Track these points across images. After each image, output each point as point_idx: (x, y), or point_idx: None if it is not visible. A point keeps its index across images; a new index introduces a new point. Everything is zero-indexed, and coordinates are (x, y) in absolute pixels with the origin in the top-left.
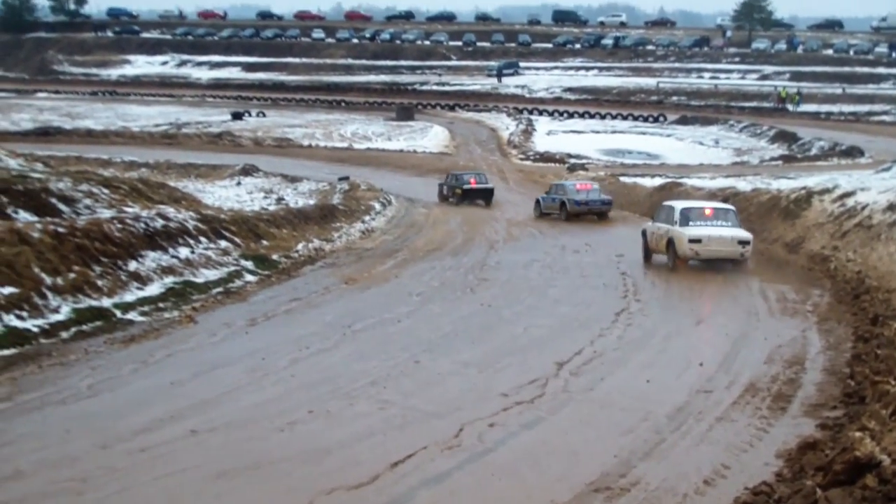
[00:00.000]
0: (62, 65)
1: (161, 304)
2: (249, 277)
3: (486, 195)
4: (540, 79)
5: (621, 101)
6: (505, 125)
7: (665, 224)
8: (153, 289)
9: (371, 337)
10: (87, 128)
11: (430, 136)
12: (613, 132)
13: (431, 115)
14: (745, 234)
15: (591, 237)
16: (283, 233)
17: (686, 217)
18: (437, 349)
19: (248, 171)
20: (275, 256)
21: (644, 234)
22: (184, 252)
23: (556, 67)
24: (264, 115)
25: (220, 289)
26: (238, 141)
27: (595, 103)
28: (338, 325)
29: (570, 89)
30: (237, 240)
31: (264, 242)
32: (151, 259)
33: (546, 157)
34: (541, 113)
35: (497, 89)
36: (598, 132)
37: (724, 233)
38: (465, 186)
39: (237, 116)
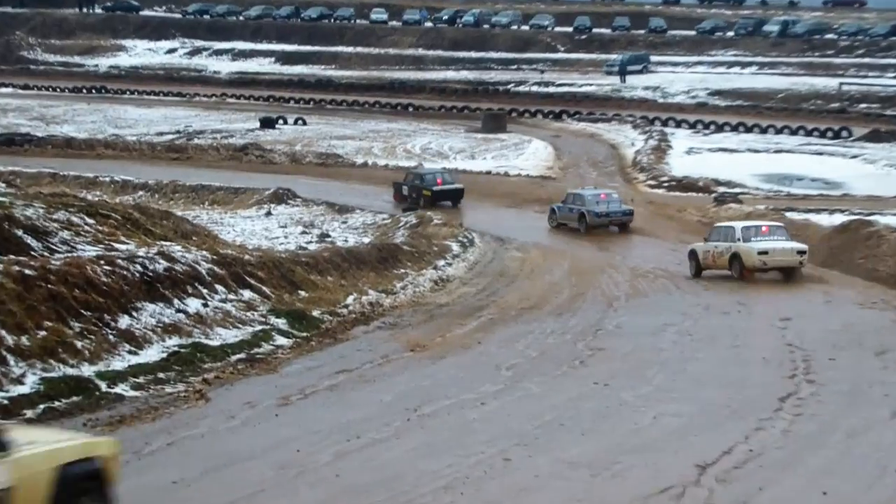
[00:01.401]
0: (34, 51)
1: (162, 375)
2: (281, 340)
3: (454, 196)
4: (678, 78)
5: (789, 109)
6: (630, 140)
7: (725, 242)
8: (151, 353)
9: (444, 424)
10: (67, 136)
11: (527, 154)
12: (777, 151)
13: (530, 126)
14: (801, 245)
15: (744, 295)
16: (327, 281)
17: (748, 234)
18: (534, 443)
19: (281, 197)
20: (316, 313)
21: (694, 253)
22: (194, 305)
23: (699, 63)
24: (304, 123)
25: (241, 355)
26: (269, 157)
27: (753, 112)
28: (399, 408)
29: (718, 92)
30: (266, 289)
31: (302, 294)
32: (150, 313)
33: (685, 185)
34: (678, 124)
35: (619, 92)
36: (756, 151)
37: (785, 245)
38: (435, 188)
39: (268, 124)
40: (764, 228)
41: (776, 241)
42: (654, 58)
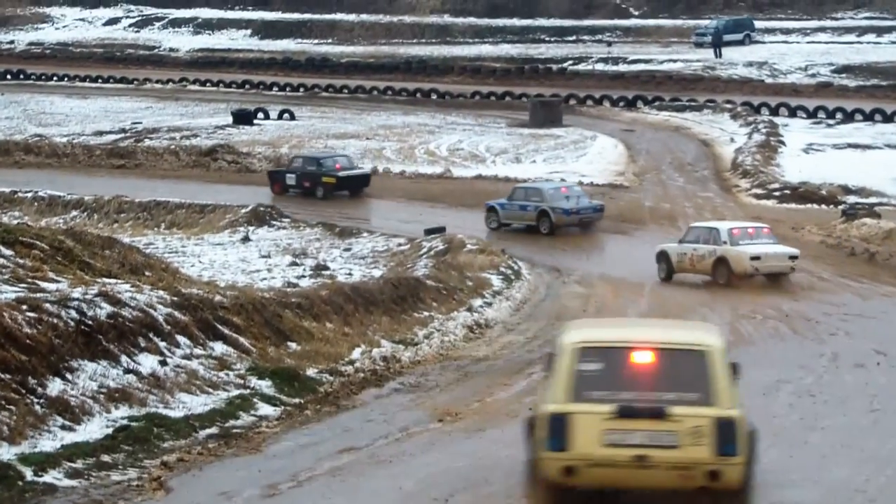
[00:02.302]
0: None
1: (107, 458)
2: (266, 409)
3: (359, 183)
4: (791, 50)
5: None
6: (728, 135)
7: (707, 245)
8: (92, 429)
9: None
10: None
11: (590, 156)
12: None
13: (594, 118)
14: (793, 249)
15: (884, 340)
16: (326, 329)
17: (735, 237)
18: None
19: (262, 216)
20: (312, 372)
21: (665, 255)
22: (148, 363)
23: (820, 29)
24: (292, 117)
25: (212, 429)
26: (245, 163)
27: (893, 94)
28: (424, 499)
29: (846, 69)
30: (244, 341)
31: (293, 346)
32: (89, 375)
33: (803, 194)
34: (793, 112)
35: (713, 70)
36: None
37: (777, 250)
38: (339, 174)
39: (244, 119)
40: (750, 230)
41: (766, 245)
42: (759, 23)
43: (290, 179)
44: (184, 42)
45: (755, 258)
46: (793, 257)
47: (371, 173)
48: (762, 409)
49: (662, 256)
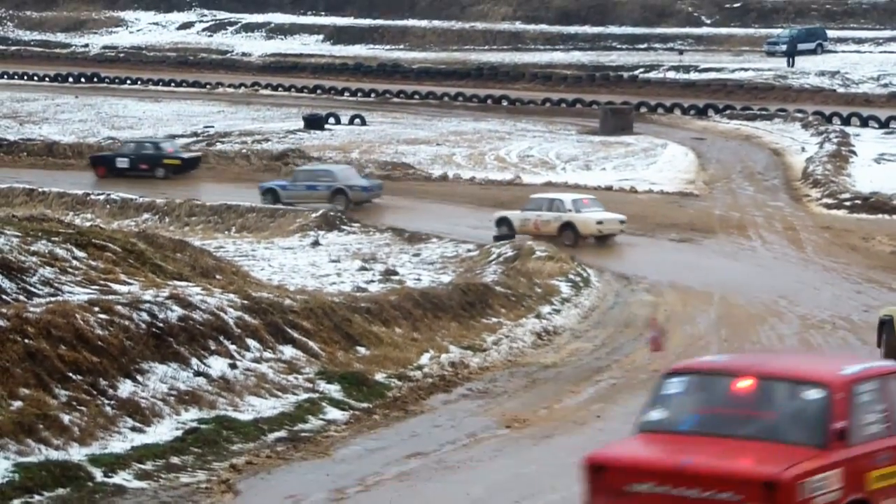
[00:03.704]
0: (4, 26)
1: (176, 460)
2: (335, 413)
3: (194, 165)
4: (864, 60)
5: None
6: (799, 144)
7: (552, 212)
8: (162, 431)
9: None
10: (48, 139)
11: (661, 164)
12: None
13: (664, 126)
14: (622, 215)
15: None
16: (394, 334)
17: (578, 206)
18: None
19: (332, 221)
20: (380, 376)
21: (507, 220)
22: (218, 366)
23: (892, 39)
24: (363, 122)
25: (281, 433)
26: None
27: None
28: None
29: None
30: (313, 345)
31: (361, 351)
32: (160, 377)
33: (874, 204)
34: (865, 122)
35: (785, 79)
36: None
37: (612, 215)
38: (183, 156)
39: (315, 124)
40: (585, 200)
41: (602, 212)
42: (831, 33)
43: (122, 163)
44: (256, 47)
45: (600, 222)
46: (622, 221)
47: (200, 157)
48: None
49: (504, 221)
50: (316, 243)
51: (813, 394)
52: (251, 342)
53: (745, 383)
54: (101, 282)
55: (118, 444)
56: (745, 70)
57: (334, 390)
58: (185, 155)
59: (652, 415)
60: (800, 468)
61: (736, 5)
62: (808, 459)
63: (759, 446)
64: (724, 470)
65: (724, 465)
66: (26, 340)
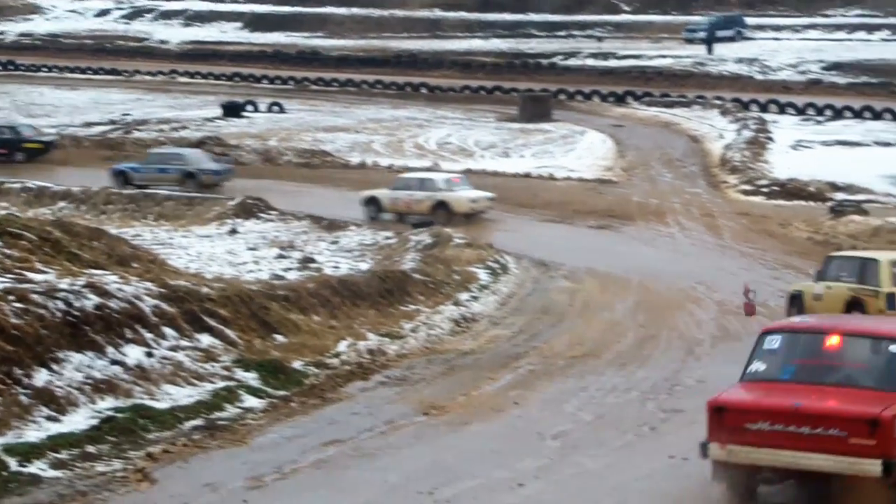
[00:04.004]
0: None
1: (92, 449)
2: (252, 401)
3: (50, 149)
4: (782, 47)
5: None
6: (717, 131)
7: (424, 191)
8: (77, 420)
9: None
10: None
11: (579, 151)
12: None
13: (583, 113)
14: (491, 193)
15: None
16: (312, 322)
17: (451, 185)
18: None
19: (250, 209)
20: (298, 364)
21: (375, 199)
22: (134, 354)
23: (811, 26)
24: (282, 110)
25: (198, 421)
26: (234, 155)
27: (883, 92)
28: (410, 491)
29: (836, 66)
30: (230, 333)
31: (279, 339)
32: (76, 366)
33: (791, 190)
34: (782, 109)
35: (704, 66)
36: (887, 144)
37: (482, 194)
38: (44, 140)
39: (233, 111)
40: (455, 178)
41: (474, 191)
42: (750, 20)
43: None
44: (174, 34)
45: (473, 200)
46: (492, 199)
47: (52, 141)
48: None
49: (372, 201)
50: (233, 231)
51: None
52: (168, 330)
53: (834, 339)
54: (17, 270)
55: (33, 433)
56: (664, 57)
57: (251, 378)
58: (46, 139)
59: (754, 367)
60: (894, 409)
61: None
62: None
63: (851, 392)
64: (832, 410)
65: (832, 406)
66: None
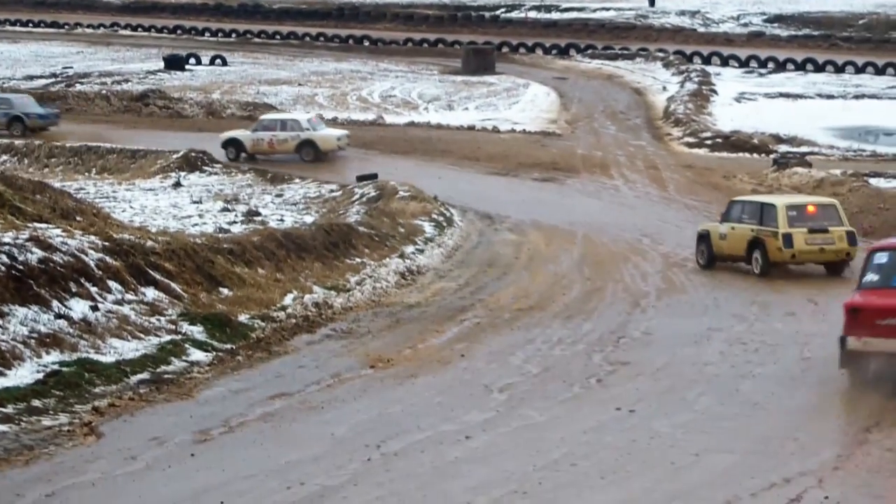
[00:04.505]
0: None
1: (37, 403)
2: (198, 355)
3: None
4: None
5: (874, 39)
6: (660, 83)
7: (288, 132)
8: (23, 374)
9: (417, 466)
10: None
11: (523, 103)
12: (858, 96)
13: (527, 66)
14: (346, 131)
15: (816, 288)
16: (258, 275)
17: (314, 125)
18: (538, 491)
19: (194, 162)
20: (243, 318)
21: (235, 141)
22: (79, 308)
23: None
24: (224, 63)
25: (144, 375)
26: (177, 108)
27: (825, 44)
28: (357, 445)
29: (778, 18)
30: (176, 287)
31: (224, 292)
32: (20, 320)
33: (735, 143)
34: (725, 61)
35: (646, 18)
36: (829, 97)
37: (342, 132)
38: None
39: (176, 64)
40: (314, 119)
41: (338, 130)
42: None
43: None
44: None
45: (338, 139)
46: (348, 137)
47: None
48: (694, 357)
49: (232, 142)
50: (178, 184)
51: None
52: (113, 284)
53: None
54: None
55: None
56: (607, 10)
57: (197, 332)
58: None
59: (868, 278)
60: None
61: None
62: None
63: None
64: None
65: None
66: None
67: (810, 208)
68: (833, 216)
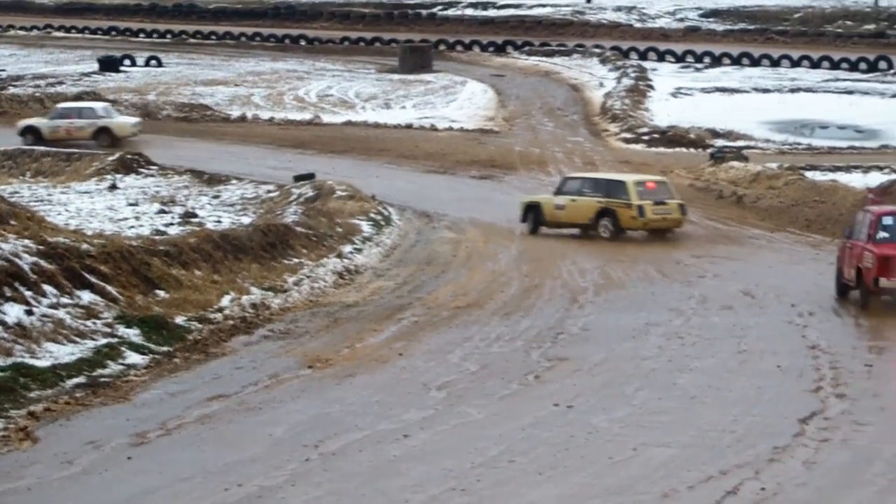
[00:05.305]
0: None
1: None
2: (134, 358)
3: None
4: None
5: (809, 33)
6: (597, 79)
7: (84, 119)
8: None
9: (356, 466)
10: None
11: (460, 101)
12: (794, 90)
13: (464, 63)
14: (139, 119)
15: (752, 282)
16: (194, 277)
17: (109, 112)
18: (476, 488)
19: (130, 164)
20: (180, 319)
21: (33, 129)
22: (13, 312)
23: None
24: (160, 64)
25: (80, 379)
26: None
27: (760, 38)
28: (295, 445)
29: (714, 13)
30: (112, 290)
31: (161, 294)
32: None
33: (671, 138)
34: (661, 57)
35: (583, 15)
36: (765, 91)
37: (136, 120)
38: None
39: (110, 65)
40: (108, 106)
41: (131, 118)
42: None
43: None
44: None
45: (133, 125)
46: (141, 124)
47: None
48: (632, 352)
49: (29, 129)
50: (113, 187)
51: None
52: (48, 288)
53: None
54: None
55: None
56: (543, 6)
57: (134, 335)
58: None
59: (881, 235)
60: None
61: None
62: None
63: None
64: None
65: None
66: None
67: (650, 184)
68: (666, 191)
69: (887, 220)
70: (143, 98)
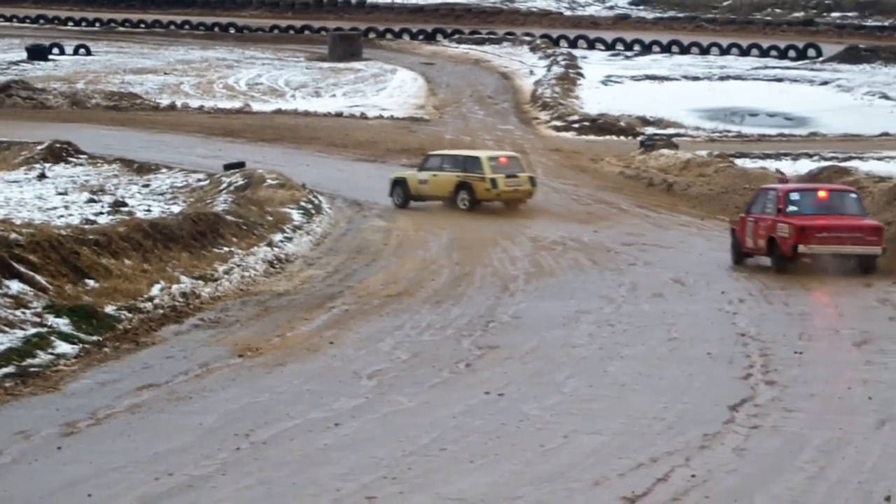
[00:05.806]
0: None
1: None
2: (64, 347)
3: None
4: None
5: (738, 21)
6: (527, 67)
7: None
8: None
9: (287, 455)
10: None
11: (390, 89)
12: (724, 78)
13: (393, 51)
14: None
15: (683, 271)
16: (124, 266)
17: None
18: (407, 476)
19: (59, 153)
20: (110, 309)
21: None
22: None
23: None
24: (88, 52)
25: (9, 368)
26: (40, 98)
27: (690, 26)
28: (226, 434)
29: (645, 1)
30: (40, 279)
31: (90, 284)
32: None
33: (602, 126)
34: (591, 45)
35: (513, 2)
36: (695, 78)
37: None
38: None
39: (38, 54)
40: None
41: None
42: None
43: None
44: None
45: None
46: None
47: None
48: (562, 340)
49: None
50: (42, 176)
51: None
52: None
53: (822, 193)
54: None
55: None
56: None
57: (63, 324)
58: None
59: (790, 208)
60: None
61: None
62: None
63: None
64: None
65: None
66: None
67: (502, 159)
68: (518, 165)
69: (794, 196)
70: (71, 87)
